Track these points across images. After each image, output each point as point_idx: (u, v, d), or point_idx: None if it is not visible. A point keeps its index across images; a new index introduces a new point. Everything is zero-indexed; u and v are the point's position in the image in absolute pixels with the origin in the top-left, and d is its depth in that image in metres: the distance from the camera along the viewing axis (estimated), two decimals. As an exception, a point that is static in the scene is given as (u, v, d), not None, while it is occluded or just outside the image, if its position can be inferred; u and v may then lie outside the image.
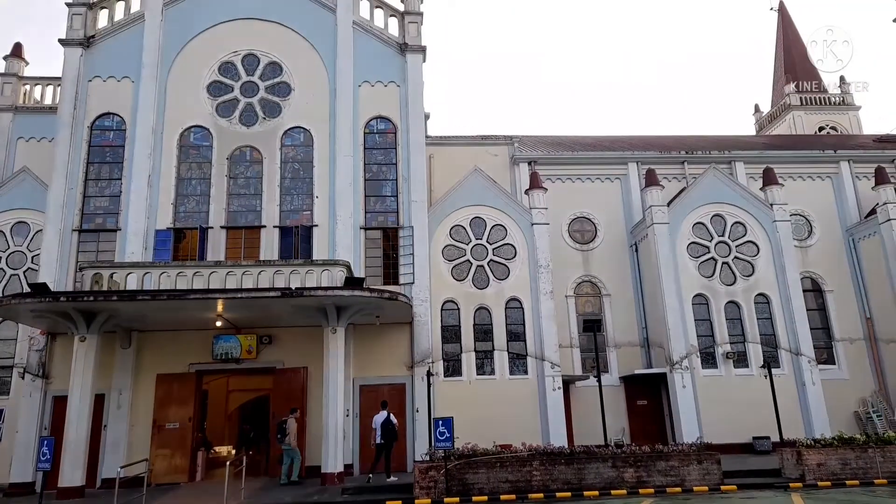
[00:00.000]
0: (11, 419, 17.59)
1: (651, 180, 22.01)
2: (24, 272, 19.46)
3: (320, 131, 20.39)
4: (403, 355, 18.76)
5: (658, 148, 25.65)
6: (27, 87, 23.33)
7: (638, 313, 22.44)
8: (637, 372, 21.24)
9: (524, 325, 20.04)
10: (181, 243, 19.28)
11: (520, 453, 14.10)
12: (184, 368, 17.88)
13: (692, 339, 20.48)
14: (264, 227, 19.55)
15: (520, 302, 20.22)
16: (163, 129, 19.90)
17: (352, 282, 15.94)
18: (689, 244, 21.48)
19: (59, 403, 16.59)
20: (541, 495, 13.23)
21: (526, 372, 19.63)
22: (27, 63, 23.66)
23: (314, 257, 18.79)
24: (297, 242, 19.53)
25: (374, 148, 20.78)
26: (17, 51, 23.24)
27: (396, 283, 19.30)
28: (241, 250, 19.32)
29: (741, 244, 21.66)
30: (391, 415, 15.94)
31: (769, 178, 22.40)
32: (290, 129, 20.49)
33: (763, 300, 21.23)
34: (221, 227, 19.39)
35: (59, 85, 21.22)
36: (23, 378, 17.45)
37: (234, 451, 21.85)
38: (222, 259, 18.53)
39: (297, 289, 15.45)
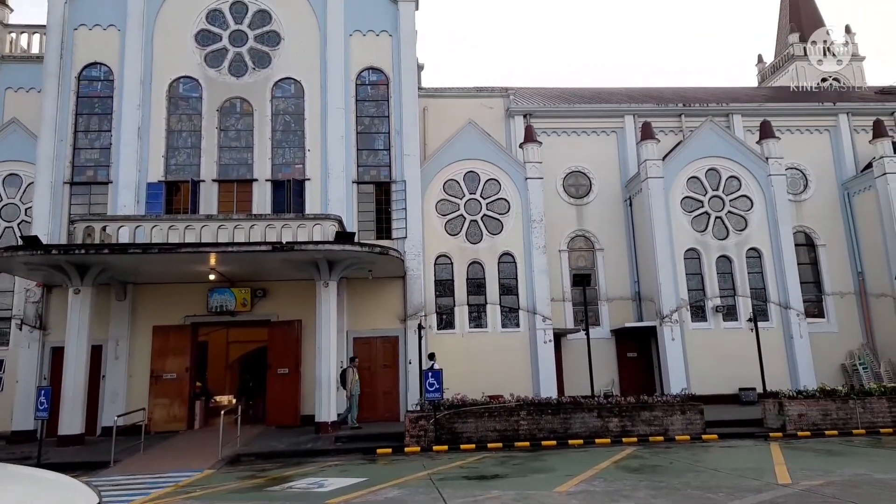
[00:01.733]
0: (11, 369, 18.01)
1: (647, 133, 21.76)
2: (19, 224, 19.51)
3: (311, 83, 20.06)
4: (397, 308, 18.96)
5: (655, 100, 25.25)
6: (13, 35, 22.81)
7: (631, 267, 22.54)
8: (628, 325, 21.51)
9: (517, 279, 20.19)
10: (173, 196, 19.25)
11: (508, 403, 14.43)
12: (179, 320, 18.12)
13: (683, 293, 20.65)
14: (256, 180, 19.47)
15: (513, 256, 20.32)
16: (151, 80, 19.58)
17: (343, 236, 15.98)
18: (683, 198, 21.40)
19: (58, 354, 16.88)
20: (527, 443, 13.61)
21: (518, 325, 19.89)
22: (11, 10, 23.07)
23: (307, 211, 18.78)
24: (289, 196, 19.50)
25: (366, 100, 20.47)
26: (0, -3, 22.62)
27: (389, 237, 19.34)
28: (233, 204, 19.31)
29: (735, 198, 21.58)
30: (433, 365, 16.17)
31: (765, 132, 22.13)
32: (280, 81, 20.15)
33: (755, 254, 21.30)
34: (213, 181, 19.32)
35: (45, 33, 20.72)
36: (20, 329, 17.70)
37: (234, 401, 22.37)
38: (214, 213, 18.51)
39: (287, 243, 15.51)
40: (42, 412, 12.94)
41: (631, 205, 22.81)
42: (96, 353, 16.95)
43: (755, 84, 36.01)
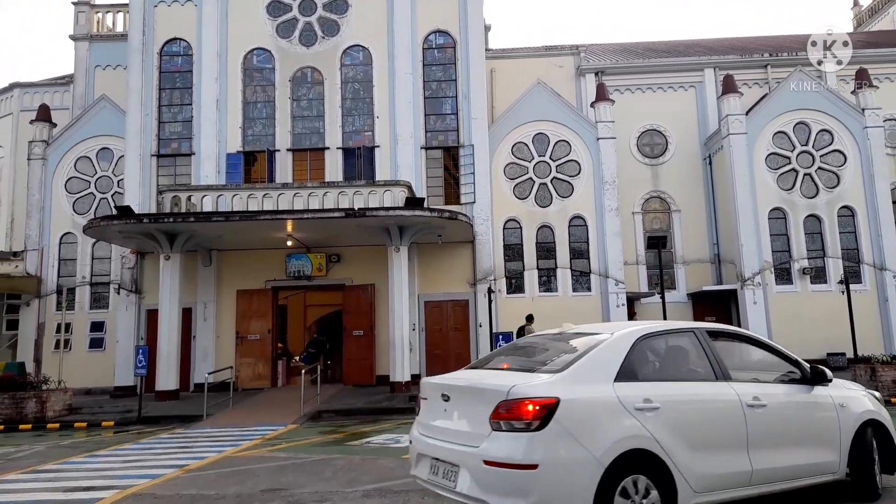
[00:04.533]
0: (112, 331, 19.51)
1: (729, 87, 20.57)
2: (112, 195, 20.78)
3: (379, 49, 20.10)
4: (466, 273, 19.11)
5: (738, 51, 23.76)
6: (99, 14, 23.93)
7: (709, 229, 21.66)
8: (706, 288, 20.79)
9: (588, 242, 19.87)
10: (251, 166, 20.00)
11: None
12: (260, 285, 18.99)
13: (766, 254, 19.69)
14: (328, 148, 19.88)
15: (584, 219, 19.95)
16: (227, 53, 20.17)
17: (412, 202, 16.16)
18: (769, 155, 20.23)
19: (152, 316, 18.12)
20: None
21: (590, 289, 19.65)
22: (97, -10, 24.16)
23: (376, 178, 19.06)
24: (360, 163, 19.84)
25: (433, 64, 20.35)
26: (87, -22, 23.70)
27: (458, 202, 19.39)
28: (306, 172, 19.85)
29: (826, 154, 20.20)
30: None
31: (862, 80, 20.45)
32: (348, 48, 20.30)
33: (847, 213, 19.97)
34: (287, 150, 19.87)
35: (128, 11, 21.62)
36: (118, 293, 19.13)
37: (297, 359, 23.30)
38: (289, 181, 19.10)
39: (359, 209, 15.86)
40: (141, 369, 14.00)
41: (711, 163, 21.77)
42: (187, 315, 18.09)
43: (850, 30, 33.19)
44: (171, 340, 16.64)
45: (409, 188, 17.74)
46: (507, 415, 4.19)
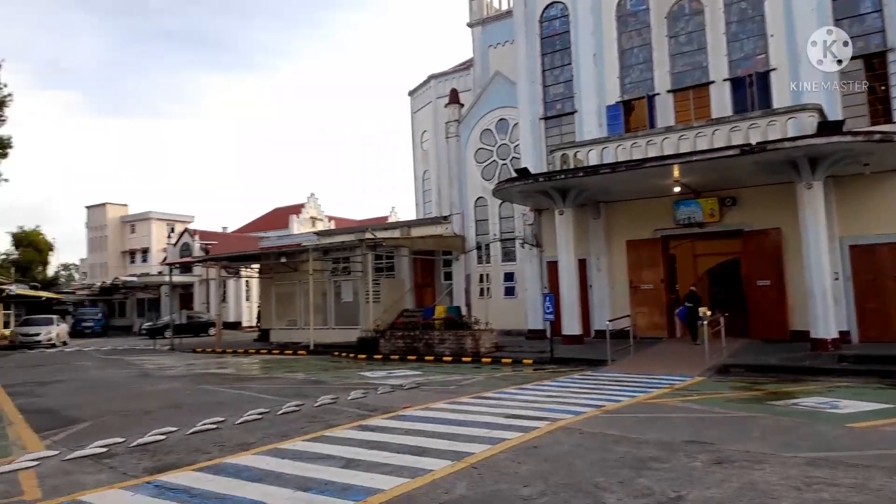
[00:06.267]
0: (521, 280, 22.15)
1: None
2: (510, 161, 23.32)
3: (769, -47, 17.30)
4: (907, 207, 15.34)
5: None
6: (487, -1, 26.80)
7: None
8: None
9: None
10: (630, 115, 19.82)
11: None
12: (649, 234, 18.86)
13: None
14: (712, 82, 18.30)
15: None
16: (601, 5, 20.20)
17: (826, 126, 13.70)
18: None
19: (552, 267, 19.80)
20: None
21: None
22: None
23: (774, 106, 16.69)
24: (751, 92, 17.68)
25: (846, -48, 16.52)
26: (475, -31, 26.62)
27: (889, 120, 15.59)
28: (689, 112, 18.70)
29: None
30: None
31: None
32: (739, -38, 18.05)
33: None
34: (667, 92, 19.02)
35: (509, -12, 23.54)
36: (522, 248, 21.55)
37: (709, 313, 22.28)
38: (672, 124, 18.26)
39: (758, 144, 14.19)
40: (549, 315, 15.50)
41: None
42: (581, 266, 19.23)
43: None
44: (571, 290, 17.94)
45: (820, 111, 15.05)
46: None
